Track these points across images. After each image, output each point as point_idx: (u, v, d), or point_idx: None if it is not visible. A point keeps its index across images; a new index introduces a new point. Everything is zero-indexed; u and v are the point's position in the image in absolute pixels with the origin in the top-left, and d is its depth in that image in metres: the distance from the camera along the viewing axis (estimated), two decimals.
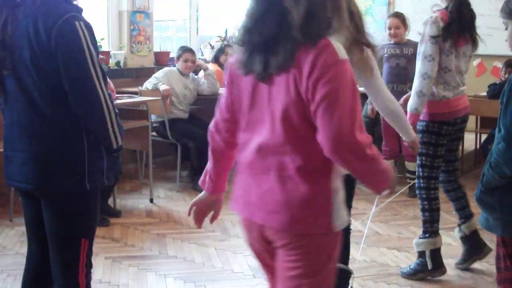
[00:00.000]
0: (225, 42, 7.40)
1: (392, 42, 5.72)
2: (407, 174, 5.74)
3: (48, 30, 2.13)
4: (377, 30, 8.59)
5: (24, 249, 2.52)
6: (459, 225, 3.95)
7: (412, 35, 5.76)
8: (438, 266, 3.75)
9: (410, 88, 5.54)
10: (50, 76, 2.17)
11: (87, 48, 2.16)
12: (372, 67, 2.81)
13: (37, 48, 2.15)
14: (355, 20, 2.66)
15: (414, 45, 5.65)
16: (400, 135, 3.22)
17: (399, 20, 5.68)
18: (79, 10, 2.23)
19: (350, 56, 2.04)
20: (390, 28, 5.70)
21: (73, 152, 2.25)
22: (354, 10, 2.68)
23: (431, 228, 3.76)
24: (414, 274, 3.76)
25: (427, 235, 3.76)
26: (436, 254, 3.75)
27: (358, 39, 2.67)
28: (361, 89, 7.03)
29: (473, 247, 3.90)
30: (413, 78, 5.59)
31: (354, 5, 2.71)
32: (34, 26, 2.15)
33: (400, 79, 5.62)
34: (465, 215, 3.92)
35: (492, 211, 2.32)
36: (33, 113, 2.22)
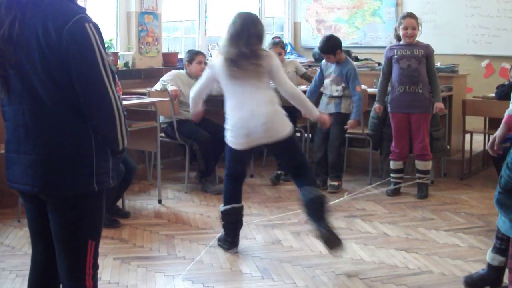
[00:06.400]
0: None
1: (401, 43, 5.59)
2: (417, 174, 5.68)
3: (59, 31, 2.12)
4: (385, 31, 8.59)
5: None
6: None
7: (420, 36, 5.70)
8: None
9: (422, 90, 5.54)
10: (58, 77, 2.16)
11: (98, 49, 2.15)
12: None
13: (46, 48, 2.13)
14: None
15: (424, 46, 5.60)
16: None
17: (416, 21, 5.53)
18: (85, 10, 2.22)
19: None
20: (406, 29, 5.51)
21: (81, 154, 2.22)
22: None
23: None
24: None
25: None
26: None
27: None
28: (370, 90, 7.00)
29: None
30: (424, 79, 5.60)
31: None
32: (43, 25, 2.13)
33: (412, 81, 5.51)
34: None
35: (509, 212, 2.31)
36: (40, 114, 2.20)
